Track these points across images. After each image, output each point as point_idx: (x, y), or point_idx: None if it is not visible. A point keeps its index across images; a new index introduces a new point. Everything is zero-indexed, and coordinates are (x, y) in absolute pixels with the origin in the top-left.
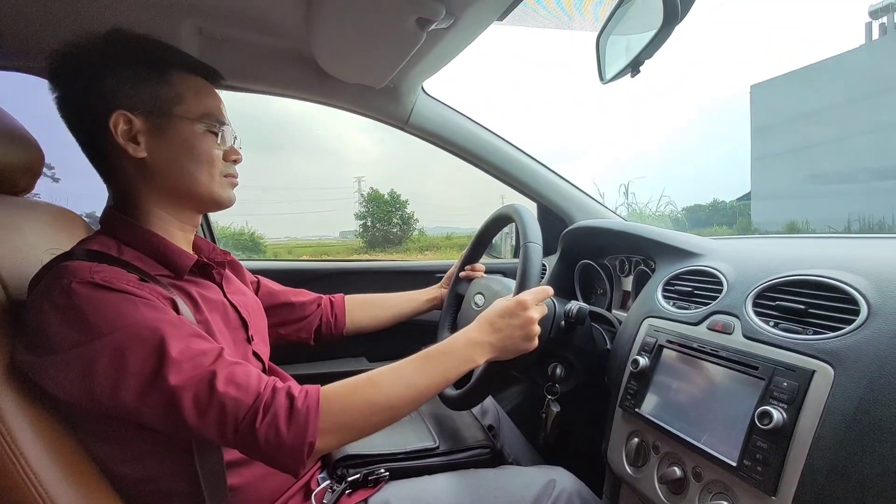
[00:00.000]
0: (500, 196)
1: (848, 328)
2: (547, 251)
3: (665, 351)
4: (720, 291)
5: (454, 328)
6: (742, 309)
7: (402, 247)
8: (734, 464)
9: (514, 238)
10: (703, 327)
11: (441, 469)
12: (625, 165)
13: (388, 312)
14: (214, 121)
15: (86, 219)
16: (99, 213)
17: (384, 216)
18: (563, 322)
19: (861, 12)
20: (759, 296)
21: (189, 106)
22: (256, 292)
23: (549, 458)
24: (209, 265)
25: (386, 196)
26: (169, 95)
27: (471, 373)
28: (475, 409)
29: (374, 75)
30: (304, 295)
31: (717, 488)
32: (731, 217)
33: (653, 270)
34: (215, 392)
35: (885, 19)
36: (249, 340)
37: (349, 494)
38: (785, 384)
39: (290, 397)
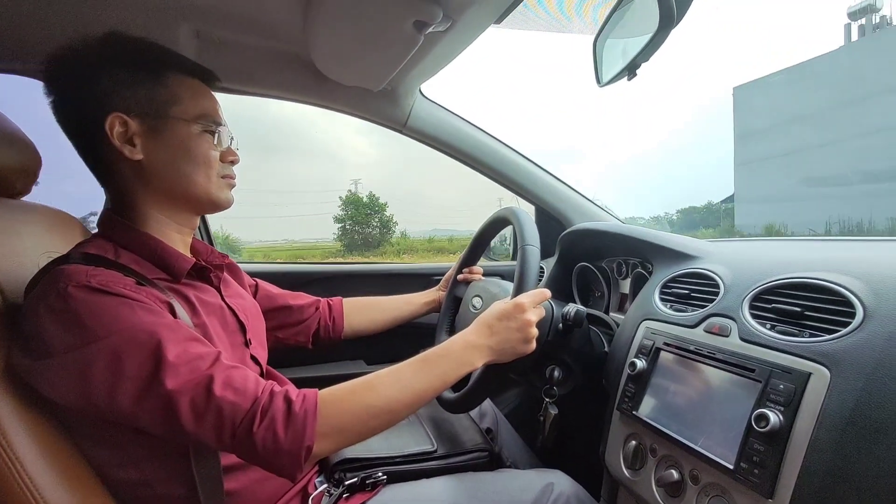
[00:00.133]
0: (497, 199)
1: (844, 331)
2: (545, 253)
3: (662, 353)
4: (717, 294)
5: (452, 331)
6: (739, 311)
7: (380, 250)
8: (731, 466)
9: (510, 240)
10: (699, 330)
11: (439, 472)
12: (622, 167)
13: (386, 315)
14: (211, 122)
15: (91, 218)
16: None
17: (362, 219)
18: (560, 325)
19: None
20: (756, 298)
21: (185, 107)
22: (255, 295)
23: (547, 460)
24: (207, 268)
25: (365, 199)
26: (165, 97)
27: (469, 376)
28: (473, 413)
29: (371, 78)
30: (302, 298)
31: (714, 491)
32: (718, 219)
33: (650, 273)
34: (212, 396)
35: (863, 20)
36: (247, 344)
37: (346, 498)
38: (781, 386)
39: (288, 401)
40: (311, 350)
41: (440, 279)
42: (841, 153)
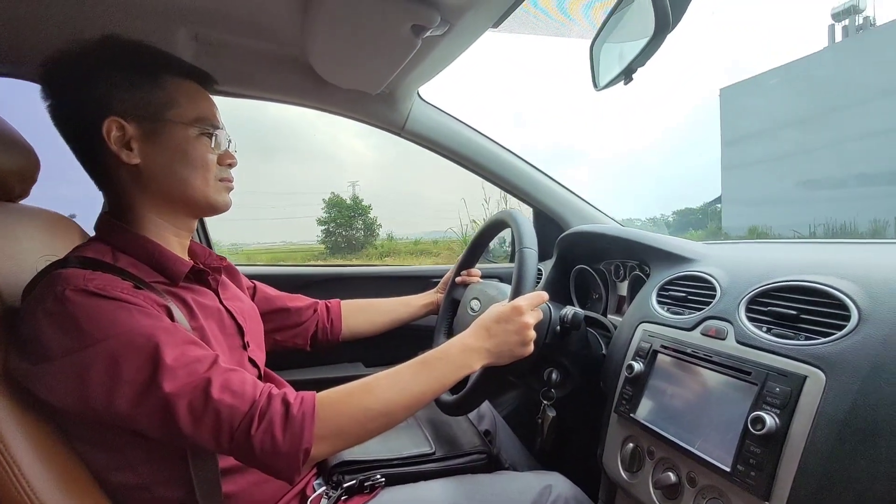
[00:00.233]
0: (495, 201)
1: (839, 334)
2: (543, 256)
3: (659, 356)
4: (713, 297)
5: (450, 333)
6: (735, 314)
7: (362, 252)
8: (728, 469)
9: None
10: (696, 332)
11: (437, 475)
12: (619, 168)
13: (384, 318)
14: (208, 125)
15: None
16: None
17: (345, 221)
18: (558, 327)
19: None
20: (752, 301)
21: (182, 110)
22: (253, 298)
23: (545, 463)
24: (204, 271)
25: (348, 201)
26: (162, 100)
27: (467, 378)
28: (471, 415)
29: (369, 81)
30: (300, 300)
31: (711, 494)
32: (707, 221)
33: (647, 275)
34: (210, 399)
35: (847, 21)
36: (245, 347)
37: (345, 501)
38: (777, 389)
39: (286, 404)
40: (309, 352)
41: (438, 281)
42: (827, 155)
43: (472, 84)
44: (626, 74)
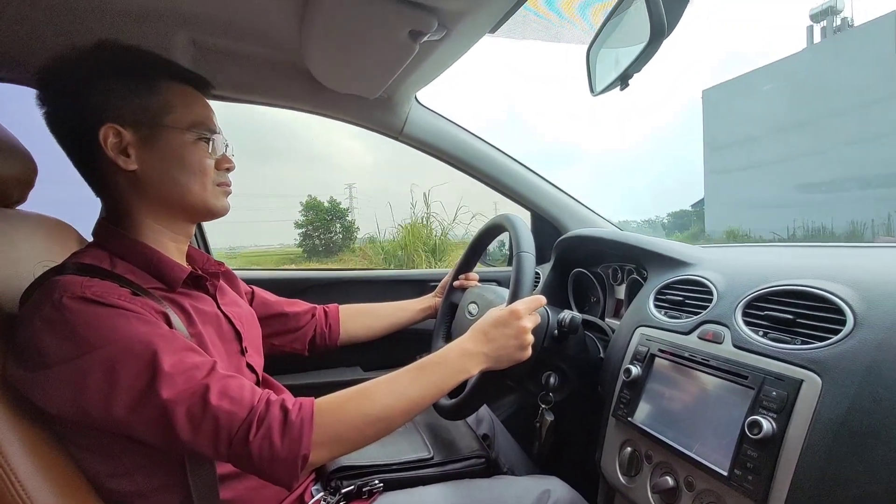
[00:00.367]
0: (492, 203)
1: (835, 338)
2: (540, 259)
3: (657, 360)
4: (710, 301)
5: (448, 337)
6: (732, 318)
7: (338, 256)
8: (725, 473)
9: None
10: (693, 336)
11: (436, 479)
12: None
13: (382, 322)
14: (205, 129)
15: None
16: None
17: (322, 225)
18: (556, 331)
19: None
20: (749, 305)
21: (179, 115)
22: (251, 303)
23: (543, 467)
24: (203, 277)
25: (326, 204)
26: (158, 105)
27: (465, 382)
28: (470, 419)
29: (367, 86)
30: (298, 305)
31: (709, 498)
32: (691, 223)
33: (645, 279)
34: (208, 406)
35: (825, 23)
36: (243, 352)
37: None
38: (774, 393)
39: (284, 410)
40: (307, 357)
41: (436, 285)
42: (809, 160)
43: (468, 86)
44: (623, 80)
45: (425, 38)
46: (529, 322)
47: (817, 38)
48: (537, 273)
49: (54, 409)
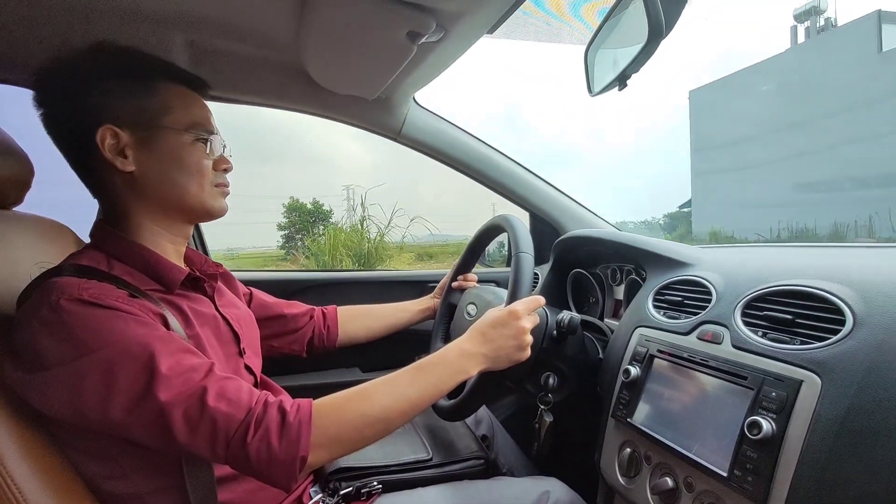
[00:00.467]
0: (491, 204)
1: (834, 338)
2: (539, 260)
3: (656, 360)
4: (709, 301)
5: (447, 338)
6: (731, 319)
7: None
8: (725, 474)
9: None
10: (692, 337)
11: (435, 481)
12: (612, 169)
13: (380, 323)
14: (203, 130)
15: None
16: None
17: (305, 227)
18: (555, 332)
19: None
20: (748, 306)
21: (176, 116)
22: (249, 304)
23: (543, 468)
24: (200, 279)
25: (308, 206)
26: (155, 107)
27: (464, 383)
28: (469, 420)
29: (365, 87)
30: (296, 307)
31: (708, 499)
32: (678, 224)
33: (644, 280)
34: (206, 408)
35: (808, 23)
36: (241, 354)
37: None
38: (773, 394)
39: (282, 412)
40: (306, 358)
41: (435, 286)
42: (793, 163)
43: (466, 83)
44: (621, 80)
45: (423, 39)
46: (528, 322)
47: (801, 38)
48: (536, 274)
49: (51, 411)
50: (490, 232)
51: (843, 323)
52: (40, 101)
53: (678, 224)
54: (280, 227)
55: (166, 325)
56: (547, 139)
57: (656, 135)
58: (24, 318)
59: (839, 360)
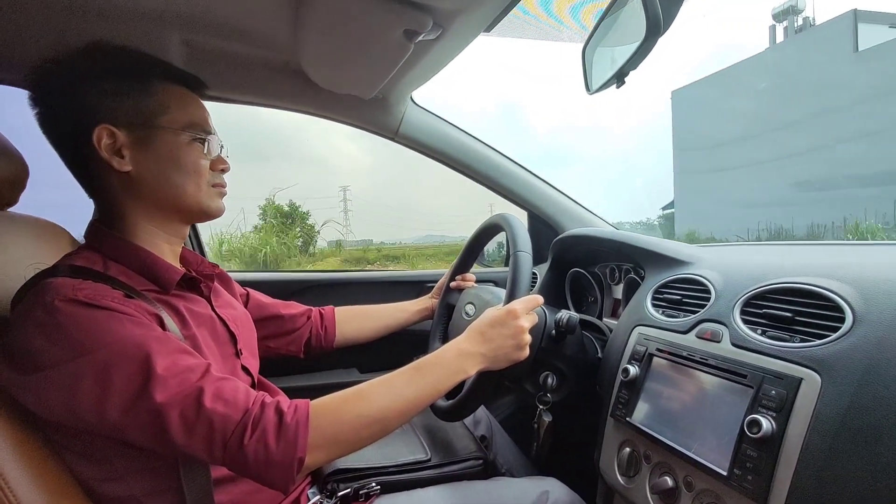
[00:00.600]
0: (489, 204)
1: (834, 335)
2: (538, 259)
3: (655, 359)
4: (708, 300)
5: (445, 338)
6: (730, 317)
7: (294, 261)
8: (724, 473)
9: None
10: (692, 335)
11: (433, 481)
12: (609, 169)
13: (378, 324)
14: (200, 130)
15: None
16: None
17: (281, 229)
18: (553, 331)
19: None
20: (747, 304)
21: (173, 116)
22: (246, 305)
23: (542, 468)
24: (197, 279)
25: (286, 208)
26: (152, 106)
27: (462, 383)
28: (467, 420)
29: (362, 86)
30: (293, 307)
31: (708, 498)
32: (665, 225)
33: (642, 278)
34: (203, 408)
35: (786, 22)
36: (238, 354)
37: None
38: (773, 392)
39: (279, 412)
40: (303, 359)
41: (433, 286)
42: (777, 165)
43: (464, 85)
44: (619, 78)
45: (420, 38)
46: (527, 322)
47: (780, 37)
48: (535, 273)
49: (47, 412)
50: (488, 231)
51: (842, 320)
52: (36, 101)
53: (663, 226)
54: (256, 230)
55: (162, 325)
56: (544, 138)
57: (656, 133)
58: (19, 318)
59: (839, 357)
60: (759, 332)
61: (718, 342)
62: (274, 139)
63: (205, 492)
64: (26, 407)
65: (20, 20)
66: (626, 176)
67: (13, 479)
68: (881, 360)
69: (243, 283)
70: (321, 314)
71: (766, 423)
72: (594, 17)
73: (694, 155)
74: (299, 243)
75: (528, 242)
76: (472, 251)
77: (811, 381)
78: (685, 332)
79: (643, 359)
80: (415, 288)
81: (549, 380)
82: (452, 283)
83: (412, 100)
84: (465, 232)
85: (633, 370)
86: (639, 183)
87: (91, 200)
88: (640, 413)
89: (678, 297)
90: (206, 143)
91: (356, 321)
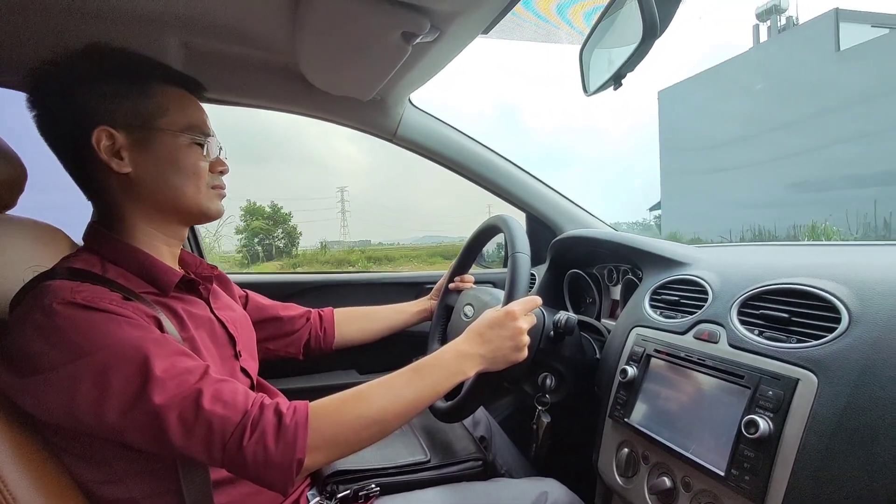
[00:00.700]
0: (487, 206)
1: (830, 336)
2: (536, 261)
3: (653, 360)
4: (706, 300)
5: (444, 340)
6: (727, 318)
7: (275, 262)
8: (722, 473)
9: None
10: (689, 336)
11: (433, 483)
12: (608, 169)
13: (377, 325)
14: (199, 132)
15: None
16: None
17: (262, 230)
18: (552, 332)
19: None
20: (744, 304)
21: (172, 118)
22: (245, 306)
23: (541, 468)
24: (195, 281)
25: (267, 209)
26: (151, 108)
27: (461, 385)
28: (467, 421)
29: (361, 88)
30: (292, 309)
31: (706, 498)
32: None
33: (640, 279)
34: (201, 410)
35: (770, 22)
36: (237, 356)
37: None
38: (770, 393)
39: (279, 414)
40: (302, 360)
41: (432, 288)
42: (764, 168)
43: (462, 87)
44: (616, 80)
45: (418, 40)
46: (525, 323)
47: (763, 37)
48: (533, 274)
49: (45, 415)
50: (486, 233)
51: (838, 321)
52: (34, 104)
53: (649, 226)
54: (238, 231)
55: (161, 327)
56: (543, 139)
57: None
58: (17, 321)
59: (835, 358)
60: (756, 332)
61: (716, 343)
62: (273, 140)
63: (204, 494)
64: (25, 410)
65: (18, 22)
66: (623, 177)
67: (12, 481)
68: (877, 361)
69: (242, 285)
70: (320, 316)
71: (764, 424)
72: (591, 20)
73: (679, 154)
74: (281, 245)
75: (526, 244)
76: (471, 252)
77: (808, 382)
78: (683, 333)
79: (641, 360)
80: (414, 289)
81: (548, 381)
82: (451, 285)
83: (410, 101)
84: (462, 233)
85: (632, 371)
86: (637, 184)
87: (89, 203)
88: (639, 414)
89: (676, 298)
90: (205, 145)
91: (355, 323)
